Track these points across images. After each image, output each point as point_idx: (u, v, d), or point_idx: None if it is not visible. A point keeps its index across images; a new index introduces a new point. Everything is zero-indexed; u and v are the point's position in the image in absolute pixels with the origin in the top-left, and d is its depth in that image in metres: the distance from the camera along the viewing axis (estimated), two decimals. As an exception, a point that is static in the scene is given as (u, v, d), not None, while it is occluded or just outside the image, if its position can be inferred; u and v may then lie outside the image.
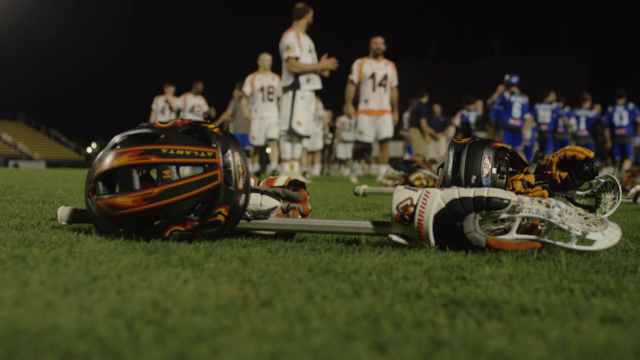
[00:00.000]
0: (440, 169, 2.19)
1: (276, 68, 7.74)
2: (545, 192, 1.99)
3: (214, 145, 1.44)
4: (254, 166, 10.09)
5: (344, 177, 12.48)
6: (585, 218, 1.39)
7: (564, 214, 1.36)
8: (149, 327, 0.72)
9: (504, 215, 1.38)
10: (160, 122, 1.51)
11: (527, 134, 11.78)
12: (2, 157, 34.62)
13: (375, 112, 7.50)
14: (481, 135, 11.64)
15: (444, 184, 2.09)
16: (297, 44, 6.61)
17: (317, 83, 6.71)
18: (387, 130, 7.52)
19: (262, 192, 1.68)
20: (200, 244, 1.41)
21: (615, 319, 0.80)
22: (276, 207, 1.68)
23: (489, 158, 2.05)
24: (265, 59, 8.73)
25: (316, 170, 12.22)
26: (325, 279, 1.03)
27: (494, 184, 2.04)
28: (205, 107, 11.44)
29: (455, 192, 1.39)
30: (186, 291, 0.91)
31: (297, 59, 6.58)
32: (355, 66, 7.58)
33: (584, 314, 0.83)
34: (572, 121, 11.64)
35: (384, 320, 0.77)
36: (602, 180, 2.13)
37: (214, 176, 1.42)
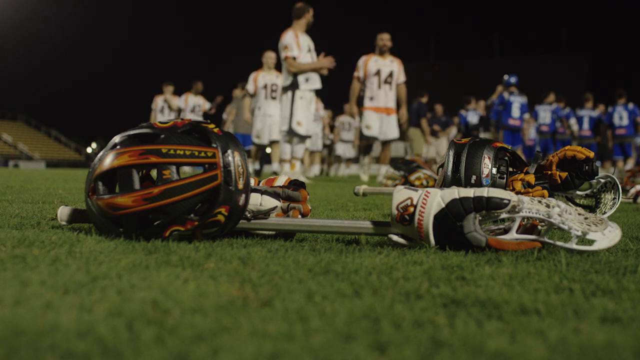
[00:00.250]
0: (440, 169, 2.19)
1: (280, 66, 7.68)
2: (545, 192, 1.99)
3: (214, 145, 1.44)
4: (254, 165, 10.03)
5: (344, 177, 12.47)
6: (585, 218, 1.39)
7: (564, 214, 1.36)
8: (149, 327, 0.72)
9: (504, 215, 1.38)
10: (160, 122, 1.51)
11: (531, 133, 11.80)
12: (2, 157, 34.62)
13: (381, 110, 7.37)
14: (484, 135, 11.65)
15: (444, 184, 2.09)
16: (296, 43, 6.61)
17: (316, 82, 6.70)
18: (393, 132, 7.42)
19: (262, 192, 1.68)
20: (200, 244, 1.41)
21: (615, 319, 0.80)
22: (276, 207, 1.68)
23: (489, 158, 2.05)
24: (270, 56, 8.66)
25: (316, 170, 12.21)
26: (325, 279, 1.03)
27: (494, 184, 2.04)
28: (206, 105, 11.39)
29: (455, 192, 1.39)
30: (186, 291, 0.91)
31: (294, 58, 6.57)
32: (361, 63, 7.46)
33: (584, 314, 0.83)
34: (572, 121, 11.65)
35: (384, 320, 0.77)
36: (602, 180, 2.13)
37: (214, 176, 1.42)
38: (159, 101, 11.43)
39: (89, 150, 47.44)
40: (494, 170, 2.06)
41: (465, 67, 37.58)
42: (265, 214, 1.62)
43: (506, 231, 1.45)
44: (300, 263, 1.19)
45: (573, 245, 1.32)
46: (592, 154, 2.04)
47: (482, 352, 0.66)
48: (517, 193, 1.97)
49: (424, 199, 1.41)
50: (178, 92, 11.55)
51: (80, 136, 55.27)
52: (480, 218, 1.39)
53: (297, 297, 0.89)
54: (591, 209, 2.13)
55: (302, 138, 6.84)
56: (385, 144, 7.48)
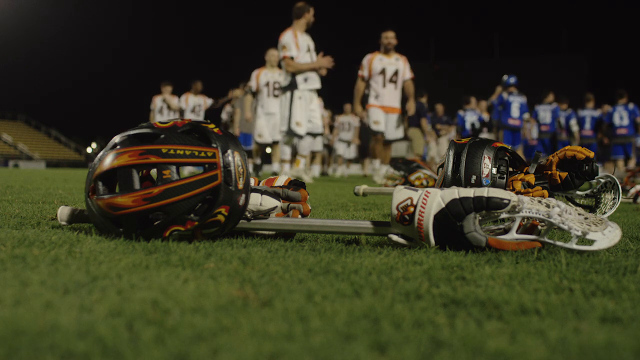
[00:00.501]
0: (440, 169, 2.19)
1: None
2: (545, 192, 1.99)
3: (214, 145, 1.44)
4: (255, 160, 9.94)
5: (343, 177, 12.47)
6: (585, 218, 1.39)
7: (564, 214, 1.36)
8: (149, 327, 0.72)
9: (504, 215, 1.38)
10: (160, 122, 1.51)
11: (533, 132, 11.81)
12: (2, 157, 34.62)
13: (386, 109, 7.26)
14: (488, 136, 11.65)
15: (444, 184, 2.09)
16: (294, 43, 6.60)
17: (315, 82, 6.68)
18: (396, 132, 7.31)
19: (262, 192, 1.68)
20: (200, 244, 1.41)
21: (615, 319, 0.80)
22: (276, 207, 1.68)
23: (489, 158, 2.05)
24: (273, 54, 8.55)
25: (315, 171, 12.21)
26: (325, 279, 1.03)
27: (494, 184, 2.04)
28: (208, 102, 11.30)
29: (455, 192, 1.39)
30: (186, 291, 0.91)
31: (292, 58, 6.56)
32: (365, 61, 7.33)
33: (584, 314, 0.83)
34: (573, 122, 11.68)
35: (384, 320, 0.77)
36: (602, 180, 2.13)
37: (214, 176, 1.42)
38: (157, 101, 11.34)
39: (89, 150, 47.44)
40: (494, 170, 2.06)
41: (465, 67, 37.58)
42: (265, 214, 1.62)
43: (506, 231, 1.45)
44: (300, 263, 1.19)
45: (573, 245, 1.32)
46: (592, 154, 2.04)
47: (482, 352, 0.66)
48: (517, 193, 1.97)
49: (424, 199, 1.41)
50: (178, 93, 11.50)
51: (80, 136, 55.32)
52: (480, 218, 1.39)
53: (297, 297, 0.89)
54: (591, 209, 2.13)
55: (301, 138, 6.83)
56: (387, 143, 7.40)
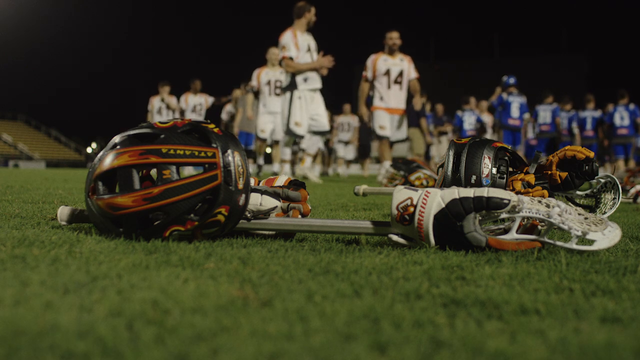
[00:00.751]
0: (440, 169, 2.19)
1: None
2: (545, 192, 1.99)
3: (214, 145, 1.44)
4: (259, 162, 9.86)
5: (343, 177, 12.47)
6: (585, 218, 1.39)
7: (564, 214, 1.36)
8: (149, 327, 0.72)
9: (504, 215, 1.38)
10: (160, 122, 1.51)
11: (529, 132, 11.81)
12: (2, 157, 34.61)
13: (391, 111, 7.13)
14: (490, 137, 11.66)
15: (444, 184, 2.09)
16: (293, 43, 6.59)
17: (315, 82, 6.67)
18: (402, 132, 7.20)
19: (262, 192, 1.68)
20: (200, 244, 1.41)
21: (615, 319, 0.80)
22: (276, 207, 1.68)
23: (489, 158, 2.05)
24: (274, 52, 8.51)
25: (315, 171, 12.20)
26: (325, 279, 1.03)
27: (494, 184, 2.04)
28: (209, 100, 11.24)
29: (455, 192, 1.39)
30: (186, 291, 0.91)
31: (291, 58, 6.55)
32: (369, 62, 7.18)
33: (584, 314, 0.83)
34: (574, 124, 11.72)
35: (384, 320, 0.77)
36: (602, 180, 2.13)
37: (214, 176, 1.42)
38: (155, 102, 11.22)
39: (89, 150, 47.43)
40: (494, 170, 2.06)
41: (465, 67, 37.59)
42: (265, 214, 1.62)
43: (506, 231, 1.45)
44: (300, 263, 1.19)
45: (573, 245, 1.32)
46: (592, 154, 2.04)
47: (482, 352, 0.66)
48: (517, 193, 1.97)
49: (424, 199, 1.41)
50: (177, 93, 11.46)
51: (80, 136, 55.29)
52: (480, 218, 1.39)
53: (297, 297, 0.89)
54: (591, 209, 2.13)
55: (301, 138, 6.82)
56: (391, 144, 7.29)
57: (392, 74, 7.12)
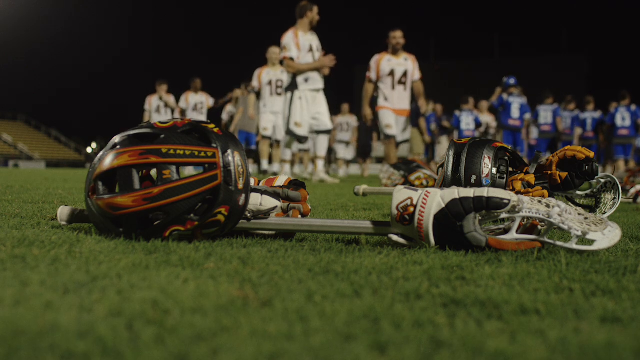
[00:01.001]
0: (440, 169, 2.19)
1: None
2: (545, 192, 1.99)
3: (214, 145, 1.44)
4: (263, 164, 9.74)
5: (344, 178, 12.46)
6: (585, 218, 1.39)
7: (564, 214, 1.36)
8: (149, 327, 0.72)
9: (504, 215, 1.38)
10: (160, 122, 1.51)
11: (534, 133, 11.83)
12: (2, 157, 34.61)
13: (396, 111, 7.01)
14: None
15: (444, 184, 2.09)
16: (294, 43, 6.58)
17: (317, 82, 6.66)
18: (407, 134, 7.11)
19: (262, 192, 1.68)
20: (200, 244, 1.41)
21: (615, 319, 0.80)
22: (276, 207, 1.68)
23: (489, 158, 2.05)
24: (274, 52, 8.44)
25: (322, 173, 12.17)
26: (325, 279, 1.03)
27: (494, 184, 2.04)
28: (210, 101, 11.20)
29: (455, 192, 1.39)
30: (186, 291, 0.91)
31: (292, 59, 6.54)
32: (373, 63, 7.06)
33: (584, 314, 0.83)
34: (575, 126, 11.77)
35: (384, 320, 0.77)
36: (602, 180, 2.13)
37: (214, 176, 1.42)
38: (153, 101, 11.14)
39: (89, 150, 47.43)
40: (494, 170, 2.06)
41: (465, 67, 37.61)
42: (265, 214, 1.62)
43: (506, 231, 1.45)
44: (300, 263, 1.19)
45: (573, 245, 1.32)
46: (592, 154, 2.04)
47: (482, 352, 0.66)
48: (517, 193, 1.97)
49: (424, 199, 1.41)
50: (178, 92, 11.42)
51: (80, 136, 55.33)
52: (480, 218, 1.39)
53: (297, 297, 0.89)
54: (591, 209, 2.13)
55: (301, 139, 6.81)
56: (396, 145, 7.14)
57: (396, 74, 7.00)
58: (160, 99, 11.02)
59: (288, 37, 6.63)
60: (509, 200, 1.36)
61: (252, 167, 11.71)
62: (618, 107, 11.22)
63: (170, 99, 11.05)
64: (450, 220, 1.37)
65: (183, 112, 11.05)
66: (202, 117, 11.00)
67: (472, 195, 1.37)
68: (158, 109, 11.08)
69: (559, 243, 1.35)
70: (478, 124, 11.97)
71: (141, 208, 1.41)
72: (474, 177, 2.04)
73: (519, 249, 1.36)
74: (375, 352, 0.66)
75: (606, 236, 1.33)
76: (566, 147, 2.11)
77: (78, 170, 15.02)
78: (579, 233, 1.32)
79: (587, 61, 36.61)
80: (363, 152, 14.47)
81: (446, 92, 24.08)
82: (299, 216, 1.70)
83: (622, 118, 11.16)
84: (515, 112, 10.37)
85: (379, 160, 21.73)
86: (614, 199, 2.10)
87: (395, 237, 1.46)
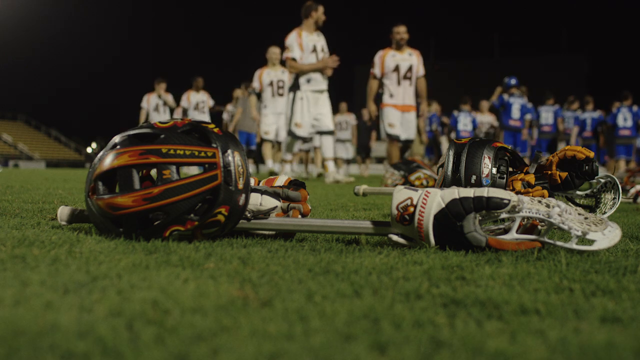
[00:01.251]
0: (440, 169, 2.19)
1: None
2: (545, 192, 1.99)
3: (214, 145, 1.44)
4: (267, 165, 9.65)
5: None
6: (585, 218, 1.39)
7: (564, 214, 1.36)
8: (149, 327, 0.72)
9: (504, 215, 1.38)
10: (160, 122, 1.51)
11: (534, 133, 11.83)
12: (2, 157, 34.60)
13: (402, 107, 6.84)
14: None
15: (444, 184, 2.09)
16: (297, 44, 6.57)
17: (319, 83, 6.63)
18: (412, 132, 6.92)
19: (262, 192, 1.68)
20: (200, 244, 1.41)
21: (615, 319, 0.80)
22: (276, 207, 1.68)
23: (489, 158, 2.05)
24: (274, 52, 8.39)
25: (314, 171, 12.17)
26: (325, 279, 1.03)
27: (494, 184, 2.04)
28: (210, 102, 11.16)
29: (455, 192, 1.39)
30: (186, 291, 0.91)
31: (294, 59, 6.53)
32: (377, 59, 6.91)
33: (584, 314, 0.83)
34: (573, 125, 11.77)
35: (384, 320, 0.77)
36: (602, 180, 2.13)
37: (214, 176, 1.42)
38: (151, 99, 11.05)
39: (89, 150, 47.43)
40: (494, 170, 2.06)
41: (465, 67, 37.61)
42: (265, 214, 1.62)
43: (506, 231, 1.45)
44: (300, 263, 1.19)
45: (573, 245, 1.32)
46: (592, 154, 2.04)
47: (482, 352, 0.66)
48: (517, 193, 1.97)
49: (424, 199, 1.41)
50: (178, 92, 11.37)
51: (80, 136, 55.34)
52: (480, 218, 1.39)
53: (297, 297, 0.89)
54: (591, 209, 2.13)
55: (301, 140, 6.80)
56: (404, 145, 7.02)
57: (401, 69, 6.84)
58: (159, 97, 10.95)
59: (291, 38, 6.62)
60: (509, 200, 1.36)
61: (252, 168, 11.69)
62: (620, 107, 11.22)
63: (169, 98, 10.98)
64: (450, 220, 1.37)
65: (185, 111, 10.97)
66: (204, 116, 10.96)
67: (472, 195, 1.37)
68: (157, 107, 10.99)
69: (559, 243, 1.35)
70: (475, 126, 11.97)
71: (141, 208, 1.41)
72: (474, 177, 2.04)
73: (519, 249, 1.36)
74: (375, 352, 0.66)
75: (606, 236, 1.33)
76: (566, 147, 2.11)
77: (78, 170, 15.02)
78: (579, 233, 1.32)
79: (587, 61, 36.62)
80: (363, 152, 14.46)
81: (446, 92, 24.07)
82: (299, 216, 1.70)
83: (624, 118, 11.16)
84: (515, 112, 10.37)
85: (379, 160, 21.74)
86: (614, 199, 2.10)
87: (395, 237, 1.46)
